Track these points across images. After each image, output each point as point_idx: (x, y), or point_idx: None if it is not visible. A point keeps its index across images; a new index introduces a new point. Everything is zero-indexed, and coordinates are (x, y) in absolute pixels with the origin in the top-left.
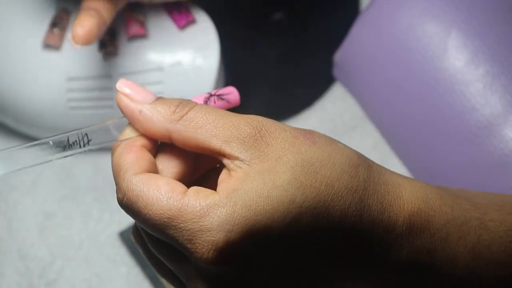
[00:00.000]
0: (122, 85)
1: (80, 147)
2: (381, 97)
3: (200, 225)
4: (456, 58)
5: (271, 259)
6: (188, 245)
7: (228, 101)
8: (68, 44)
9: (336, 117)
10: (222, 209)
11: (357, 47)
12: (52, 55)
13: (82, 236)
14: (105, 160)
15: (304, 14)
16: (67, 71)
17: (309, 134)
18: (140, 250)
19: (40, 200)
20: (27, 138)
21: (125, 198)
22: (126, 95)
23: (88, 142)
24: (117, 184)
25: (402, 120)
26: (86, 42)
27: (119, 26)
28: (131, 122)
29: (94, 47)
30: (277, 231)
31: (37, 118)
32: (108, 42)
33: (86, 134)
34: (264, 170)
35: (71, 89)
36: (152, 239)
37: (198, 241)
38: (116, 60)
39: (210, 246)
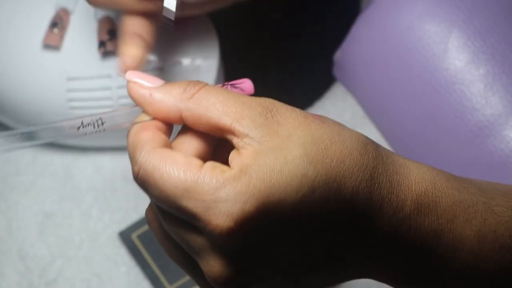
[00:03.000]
0: (131, 75)
1: (94, 127)
2: (381, 97)
3: (216, 197)
4: (456, 58)
5: (285, 233)
6: (203, 216)
7: (242, 89)
8: (68, 44)
9: (336, 117)
10: (238, 182)
11: (357, 47)
12: (52, 55)
13: (82, 236)
14: (105, 160)
15: (304, 14)
16: (67, 71)
17: (318, 115)
18: (154, 234)
19: (40, 200)
20: None
21: (141, 170)
22: (135, 83)
23: (102, 124)
24: (133, 158)
25: (402, 120)
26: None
27: (119, 25)
28: (143, 107)
29: (94, 47)
30: (291, 205)
31: (37, 118)
32: (108, 42)
33: (100, 118)
34: (275, 147)
35: (71, 89)
36: (166, 214)
37: (214, 212)
38: (116, 60)
39: (225, 217)
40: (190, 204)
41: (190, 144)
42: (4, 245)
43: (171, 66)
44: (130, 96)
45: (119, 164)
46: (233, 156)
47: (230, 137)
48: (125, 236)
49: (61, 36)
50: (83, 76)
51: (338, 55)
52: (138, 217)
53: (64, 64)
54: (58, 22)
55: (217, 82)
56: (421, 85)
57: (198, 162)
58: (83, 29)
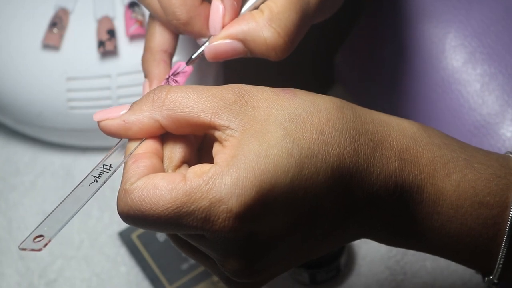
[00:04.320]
0: (97, 117)
1: (107, 172)
2: (381, 98)
3: (210, 199)
4: (453, 58)
5: (284, 213)
6: (205, 224)
7: (183, 72)
8: (67, 44)
9: None
10: (226, 177)
11: (357, 48)
12: (51, 55)
13: (82, 236)
14: None
15: None
16: (67, 71)
17: (288, 89)
18: (170, 239)
19: (40, 200)
20: (27, 138)
21: (130, 211)
22: (104, 120)
23: (109, 168)
24: (117, 200)
25: None
26: None
27: (118, 25)
28: (124, 136)
29: (93, 47)
30: (283, 186)
31: (37, 118)
32: (107, 42)
33: (103, 165)
34: (256, 133)
35: (70, 89)
36: (175, 240)
37: (213, 214)
38: (115, 60)
39: (226, 215)
40: (189, 219)
41: (173, 153)
42: (4, 245)
43: None
44: (108, 133)
45: None
46: (217, 150)
47: (212, 131)
48: (125, 236)
49: (61, 36)
50: (82, 76)
51: (338, 57)
52: None
53: (64, 64)
54: (58, 22)
55: (216, 82)
56: (419, 85)
57: (179, 176)
58: (82, 29)
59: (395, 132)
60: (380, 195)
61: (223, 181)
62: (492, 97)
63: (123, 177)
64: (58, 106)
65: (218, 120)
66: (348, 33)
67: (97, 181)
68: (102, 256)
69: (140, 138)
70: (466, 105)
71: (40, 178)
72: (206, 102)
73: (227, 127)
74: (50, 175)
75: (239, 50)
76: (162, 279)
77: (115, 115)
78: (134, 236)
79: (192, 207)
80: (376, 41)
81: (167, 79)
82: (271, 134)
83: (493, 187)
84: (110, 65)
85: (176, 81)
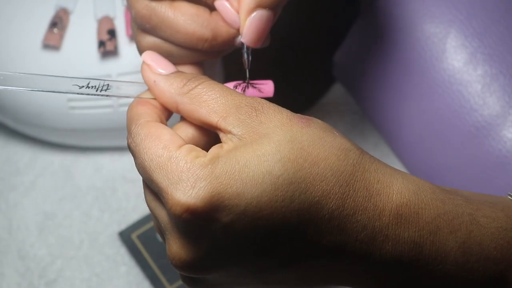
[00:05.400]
0: (147, 56)
1: (96, 91)
2: (380, 97)
3: (179, 177)
4: (454, 59)
5: (243, 227)
6: (165, 191)
7: (260, 90)
8: (68, 44)
9: (336, 117)
10: (203, 170)
11: (356, 47)
12: (51, 55)
13: (82, 236)
14: (105, 160)
15: (304, 14)
16: (67, 71)
17: (306, 118)
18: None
19: (40, 200)
20: (27, 138)
21: (133, 141)
22: (147, 65)
23: (106, 90)
24: (128, 129)
25: (401, 121)
26: None
27: (119, 26)
28: (149, 89)
29: (93, 47)
30: (249, 199)
31: (37, 118)
32: (108, 42)
33: (108, 84)
34: (251, 142)
35: None
36: (146, 185)
37: (174, 190)
38: (115, 60)
39: (182, 197)
40: (159, 178)
41: (185, 131)
42: (4, 245)
43: None
44: (142, 76)
45: (119, 164)
46: (214, 147)
47: (217, 131)
48: (125, 236)
49: (61, 36)
50: (82, 76)
51: (338, 56)
52: (138, 217)
53: (64, 64)
54: (58, 22)
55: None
56: (419, 85)
57: (180, 142)
58: (82, 29)
59: (398, 184)
60: (366, 246)
61: (197, 171)
62: (493, 98)
63: (139, 109)
64: (58, 106)
65: (223, 124)
66: (348, 32)
67: (88, 88)
68: (102, 256)
69: (156, 102)
70: (467, 106)
71: (40, 178)
72: (221, 106)
73: (229, 131)
74: (50, 175)
75: (264, 14)
76: (162, 279)
77: (155, 70)
78: (134, 236)
79: (164, 172)
80: (376, 41)
81: (244, 82)
82: (262, 146)
83: (499, 241)
84: (111, 65)
85: (244, 90)
